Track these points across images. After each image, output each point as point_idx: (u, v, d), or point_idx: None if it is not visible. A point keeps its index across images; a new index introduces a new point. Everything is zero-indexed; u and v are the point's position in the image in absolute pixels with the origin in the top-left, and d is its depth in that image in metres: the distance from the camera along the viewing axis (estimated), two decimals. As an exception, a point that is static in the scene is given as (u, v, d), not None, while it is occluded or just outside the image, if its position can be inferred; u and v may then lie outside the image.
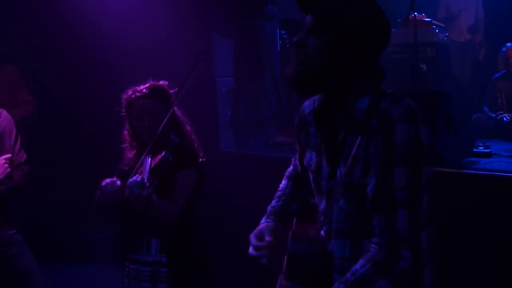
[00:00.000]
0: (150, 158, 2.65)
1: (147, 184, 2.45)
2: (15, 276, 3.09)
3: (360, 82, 1.68)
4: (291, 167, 2.15)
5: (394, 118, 1.57)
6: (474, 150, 3.97)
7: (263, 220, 2.02)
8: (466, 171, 3.51)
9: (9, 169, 2.94)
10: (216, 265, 3.00)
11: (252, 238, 1.92)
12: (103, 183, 2.63)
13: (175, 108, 2.81)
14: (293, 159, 2.15)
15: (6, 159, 2.95)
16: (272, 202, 2.08)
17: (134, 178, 2.48)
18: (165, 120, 2.68)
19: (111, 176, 2.69)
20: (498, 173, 3.42)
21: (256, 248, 1.88)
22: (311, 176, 1.86)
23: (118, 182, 2.62)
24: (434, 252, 1.73)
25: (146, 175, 2.52)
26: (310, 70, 1.65)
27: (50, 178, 5.04)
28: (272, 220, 2.00)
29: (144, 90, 2.74)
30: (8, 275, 3.06)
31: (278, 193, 2.11)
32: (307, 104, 1.91)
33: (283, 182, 2.14)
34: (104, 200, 2.61)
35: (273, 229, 1.94)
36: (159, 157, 2.66)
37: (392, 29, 6.14)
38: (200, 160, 2.85)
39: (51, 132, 5.26)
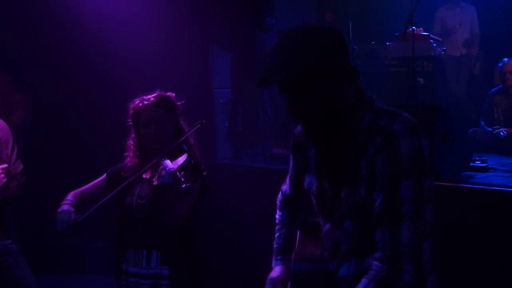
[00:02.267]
0: (168, 161, 2.63)
1: (182, 178, 2.45)
2: (10, 286, 3.06)
3: (354, 101, 1.68)
4: (279, 195, 2.14)
5: (397, 134, 1.59)
6: (471, 164, 3.99)
7: (273, 262, 2.03)
8: (463, 185, 3.52)
9: (5, 179, 2.93)
10: (212, 276, 2.99)
11: None
12: (59, 209, 2.65)
13: (181, 121, 2.84)
14: (282, 186, 2.14)
15: (2, 169, 2.93)
16: (275, 237, 2.09)
17: (166, 168, 2.49)
18: (190, 131, 2.75)
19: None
20: (495, 188, 3.44)
21: None
22: (313, 199, 1.87)
23: (72, 215, 2.62)
24: (436, 262, 1.74)
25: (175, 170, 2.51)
26: (318, 125, 1.67)
27: (46, 188, 5.01)
28: (280, 263, 2.00)
29: (152, 99, 2.77)
30: (2, 285, 3.04)
31: (277, 226, 2.10)
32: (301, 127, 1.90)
33: (278, 213, 2.13)
34: (56, 227, 2.62)
35: (285, 278, 1.95)
36: (181, 159, 2.65)
37: (390, 43, 6.16)
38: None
39: (47, 142, 5.24)
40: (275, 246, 2.07)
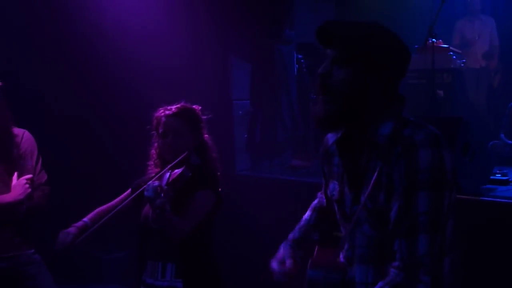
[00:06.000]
0: (169, 173, 2.67)
1: (162, 194, 2.47)
2: (33, 296, 3.08)
3: (383, 108, 1.70)
4: (316, 200, 2.18)
5: (417, 144, 1.59)
6: (491, 177, 3.95)
7: (282, 245, 2.08)
8: (484, 198, 3.49)
9: (29, 190, 2.96)
10: (231, 288, 3.00)
11: (274, 264, 2.02)
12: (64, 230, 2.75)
13: (206, 135, 2.87)
14: (319, 192, 2.17)
15: (27, 179, 2.96)
16: (294, 229, 2.13)
17: (152, 182, 2.52)
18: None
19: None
20: (516, 201, 3.40)
21: (280, 274, 1.98)
22: (335, 206, 1.88)
23: (70, 237, 2.72)
24: (458, 278, 1.74)
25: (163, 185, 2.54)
26: (339, 106, 1.67)
27: (64, 198, 5.05)
28: (289, 247, 2.07)
29: (174, 109, 2.81)
30: (25, 294, 3.06)
31: (301, 223, 2.14)
32: (331, 135, 1.93)
33: (307, 213, 2.17)
34: (55, 247, 2.73)
35: (292, 255, 2.03)
36: (177, 171, 2.68)
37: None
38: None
39: (72, 152, 5.28)
40: (290, 236, 2.12)
